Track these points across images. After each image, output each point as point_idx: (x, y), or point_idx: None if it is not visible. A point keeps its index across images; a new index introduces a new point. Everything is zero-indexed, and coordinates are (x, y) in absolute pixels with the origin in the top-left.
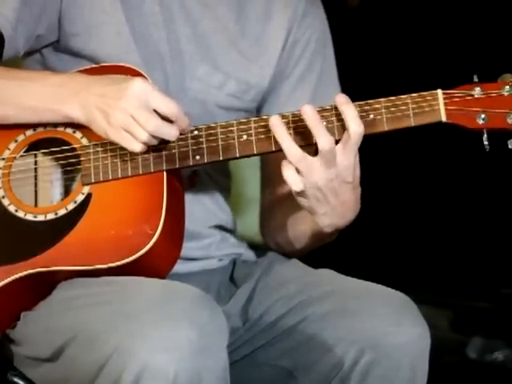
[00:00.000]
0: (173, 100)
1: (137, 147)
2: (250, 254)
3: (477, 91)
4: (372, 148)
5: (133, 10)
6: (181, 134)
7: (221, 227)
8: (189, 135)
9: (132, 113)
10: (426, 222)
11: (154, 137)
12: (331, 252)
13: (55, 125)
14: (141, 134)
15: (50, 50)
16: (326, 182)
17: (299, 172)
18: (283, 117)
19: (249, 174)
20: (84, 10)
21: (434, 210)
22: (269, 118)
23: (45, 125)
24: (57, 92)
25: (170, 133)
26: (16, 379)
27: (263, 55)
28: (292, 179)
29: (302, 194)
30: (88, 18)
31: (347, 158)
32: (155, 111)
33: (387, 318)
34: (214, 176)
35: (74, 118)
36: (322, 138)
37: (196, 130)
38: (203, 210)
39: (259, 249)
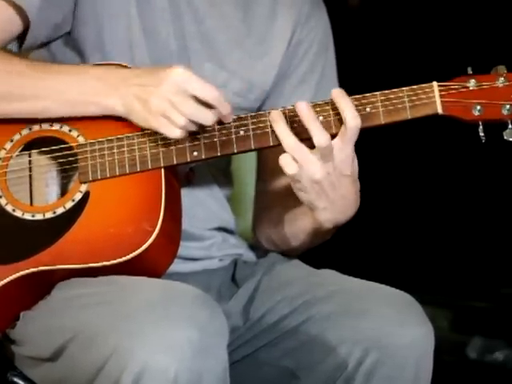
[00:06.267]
0: (213, 86)
1: (176, 133)
2: (250, 255)
3: (472, 83)
4: (371, 148)
5: (144, 4)
6: (222, 123)
7: (222, 228)
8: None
9: (170, 98)
10: (427, 222)
11: (192, 122)
12: (333, 252)
13: (51, 124)
14: (178, 118)
15: (58, 45)
16: (323, 175)
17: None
18: (285, 111)
19: (249, 174)
20: (98, 0)
21: (435, 210)
22: (270, 113)
23: (41, 124)
24: (96, 85)
25: (207, 117)
26: (16, 379)
27: (267, 55)
28: (285, 161)
29: (299, 185)
30: (101, 9)
31: (344, 152)
32: (196, 98)
33: (391, 318)
34: (217, 177)
35: (113, 110)
36: (318, 135)
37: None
38: (206, 212)
39: (259, 249)
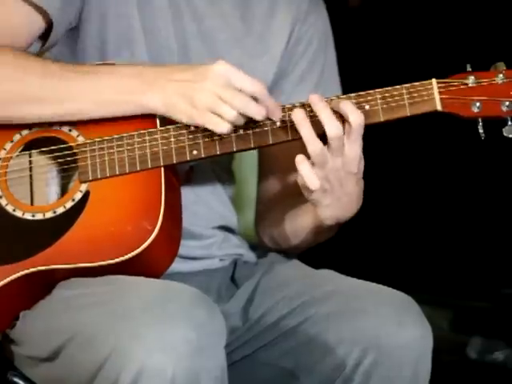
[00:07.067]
0: (259, 80)
1: (225, 127)
2: (251, 255)
3: (471, 80)
4: (371, 148)
5: (144, 3)
6: (269, 119)
7: (224, 227)
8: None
9: (218, 92)
10: (426, 222)
11: (241, 115)
12: (332, 252)
13: (51, 124)
14: (228, 112)
15: (61, 44)
16: (333, 172)
17: (314, 165)
18: (284, 109)
19: (250, 173)
20: None
21: (434, 210)
22: (293, 111)
23: (41, 124)
24: (133, 83)
25: (259, 110)
26: (16, 379)
27: (267, 53)
28: (309, 177)
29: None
30: (103, 7)
31: (354, 149)
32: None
33: (390, 318)
34: (219, 174)
35: (152, 108)
36: (331, 124)
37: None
38: (207, 210)
39: (259, 249)
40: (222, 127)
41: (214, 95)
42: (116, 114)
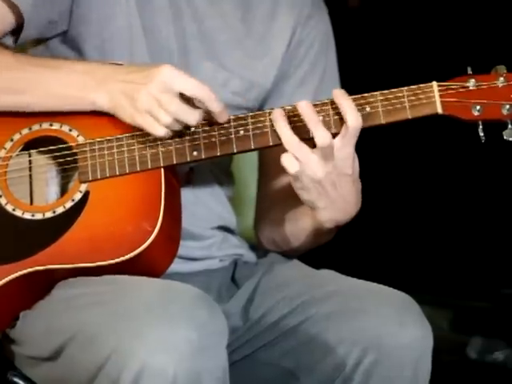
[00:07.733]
0: (203, 84)
1: (160, 131)
2: (251, 255)
3: (471, 83)
4: (371, 148)
5: (144, 3)
6: (219, 124)
7: (223, 228)
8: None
9: (156, 96)
10: (426, 222)
11: (177, 121)
12: (332, 253)
13: (51, 123)
14: (163, 117)
15: (56, 43)
16: (324, 174)
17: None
18: (283, 110)
19: (250, 174)
20: None
21: (434, 210)
22: (271, 112)
23: (41, 123)
24: (83, 79)
25: (191, 116)
26: (16, 379)
27: (267, 55)
28: (288, 161)
29: (300, 184)
30: (101, 7)
31: (345, 151)
32: (184, 98)
33: (390, 318)
34: (219, 176)
35: (99, 106)
36: (319, 134)
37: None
38: (206, 211)
39: (260, 249)
40: (158, 131)
41: (154, 99)
42: (64, 109)
